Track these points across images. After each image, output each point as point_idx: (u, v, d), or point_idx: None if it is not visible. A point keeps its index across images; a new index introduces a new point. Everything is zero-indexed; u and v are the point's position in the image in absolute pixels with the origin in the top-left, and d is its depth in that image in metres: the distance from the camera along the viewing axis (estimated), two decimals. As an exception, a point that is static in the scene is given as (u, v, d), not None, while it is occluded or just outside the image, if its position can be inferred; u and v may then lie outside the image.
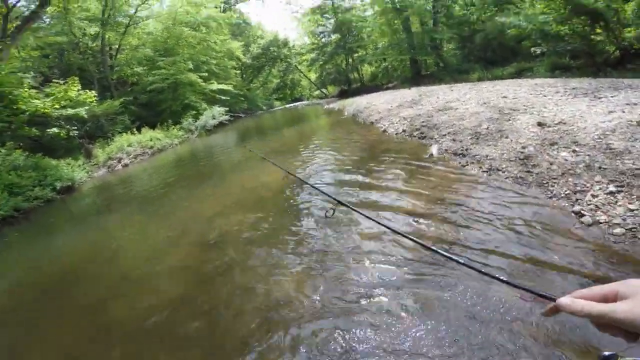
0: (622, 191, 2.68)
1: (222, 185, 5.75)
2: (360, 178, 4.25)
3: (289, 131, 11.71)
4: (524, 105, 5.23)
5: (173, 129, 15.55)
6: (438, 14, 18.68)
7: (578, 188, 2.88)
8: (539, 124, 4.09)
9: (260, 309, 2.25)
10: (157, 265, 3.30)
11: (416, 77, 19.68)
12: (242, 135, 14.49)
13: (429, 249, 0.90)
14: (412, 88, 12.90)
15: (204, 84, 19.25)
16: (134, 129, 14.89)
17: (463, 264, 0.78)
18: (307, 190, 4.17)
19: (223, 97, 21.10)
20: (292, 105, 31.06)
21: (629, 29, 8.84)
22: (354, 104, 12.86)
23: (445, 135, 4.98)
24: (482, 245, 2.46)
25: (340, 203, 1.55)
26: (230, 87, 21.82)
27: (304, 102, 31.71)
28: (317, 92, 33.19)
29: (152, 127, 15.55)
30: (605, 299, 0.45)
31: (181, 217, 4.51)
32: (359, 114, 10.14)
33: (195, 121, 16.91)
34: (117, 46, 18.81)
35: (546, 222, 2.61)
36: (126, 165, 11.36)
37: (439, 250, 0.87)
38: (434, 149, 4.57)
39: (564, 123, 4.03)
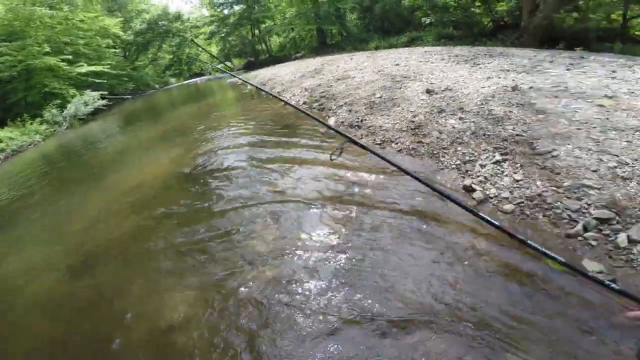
0: (507, 159, 2.56)
1: (96, 189, 4.25)
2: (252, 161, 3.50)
3: (183, 110, 10.01)
4: (414, 73, 5.12)
5: (31, 123, 12.06)
6: None
7: (467, 158, 2.69)
8: (428, 91, 3.91)
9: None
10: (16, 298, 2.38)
11: (322, 46, 19.30)
12: (127, 119, 12.03)
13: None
14: (316, 57, 12.36)
15: (68, 67, 15.45)
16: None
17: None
18: (204, 187, 3.27)
19: (97, 80, 17.46)
20: (191, 81, 27.58)
21: (502, 3, 9.76)
22: (258, 76, 11.76)
23: (342, 105, 4.53)
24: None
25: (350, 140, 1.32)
26: (105, 69, 18.07)
27: (205, 78, 28.39)
28: (221, 65, 30.07)
29: (1, 124, 11.86)
30: None
31: (42, 236, 3.16)
32: (262, 86, 9.16)
33: (62, 111, 13.51)
34: None
35: (437, 210, 2.33)
36: None
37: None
38: (331, 121, 4.08)
39: (450, 89, 3.94)
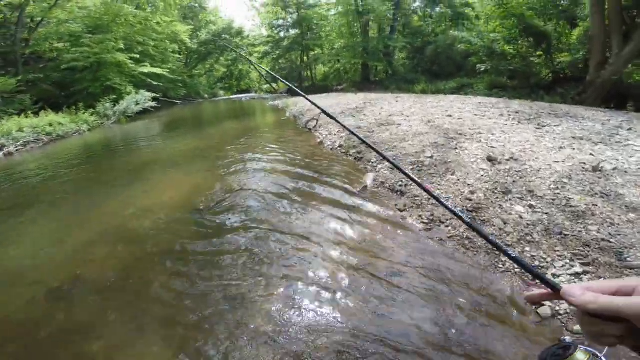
0: (588, 272, 1.95)
1: (113, 198, 4.05)
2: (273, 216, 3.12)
3: (221, 127, 10.09)
4: (470, 129, 4.58)
5: (83, 113, 12.88)
6: (397, 21, 18.44)
7: (536, 262, 2.10)
8: (490, 159, 3.36)
9: None
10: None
11: (365, 82, 19.29)
12: (170, 125, 12.48)
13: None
14: (358, 93, 12.17)
15: (133, 65, 16.48)
16: (36, 111, 12.06)
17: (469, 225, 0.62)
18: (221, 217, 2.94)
19: (154, 83, 18.50)
20: (237, 97, 28.81)
21: (565, 54, 9.05)
22: (299, 104, 11.75)
23: (384, 160, 4.08)
24: None
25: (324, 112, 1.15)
26: (164, 72, 19.14)
27: (250, 95, 29.48)
28: (267, 86, 31.28)
29: (59, 109, 12.81)
30: (617, 294, 0.40)
31: (38, 237, 2.97)
32: (301, 117, 9.02)
33: (114, 106, 14.31)
34: (39, 19, 15.36)
35: (493, 313, 1.77)
36: (10, 154, 8.85)
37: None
38: (369, 179, 3.61)
39: (516, 160, 3.35)
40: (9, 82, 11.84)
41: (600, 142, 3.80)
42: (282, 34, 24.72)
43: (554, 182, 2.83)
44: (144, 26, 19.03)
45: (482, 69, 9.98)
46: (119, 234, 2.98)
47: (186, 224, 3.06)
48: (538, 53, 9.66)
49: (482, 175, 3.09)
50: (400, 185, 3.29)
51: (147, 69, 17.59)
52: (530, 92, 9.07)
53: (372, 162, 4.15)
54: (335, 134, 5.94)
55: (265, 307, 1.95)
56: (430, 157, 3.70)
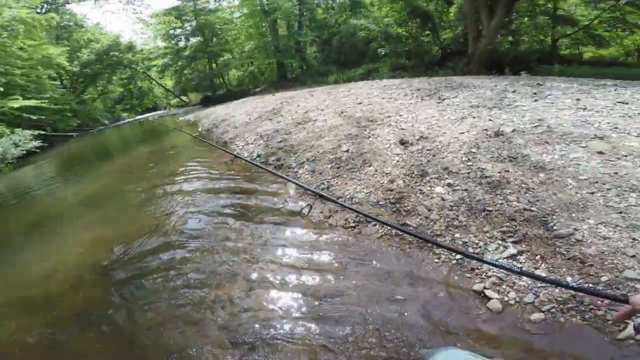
0: (523, 251, 1.92)
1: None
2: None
3: (127, 156, 8.69)
4: (380, 114, 4.56)
5: None
6: (303, 16, 18.43)
7: (470, 249, 2.01)
8: (402, 142, 3.30)
9: None
10: None
11: (282, 80, 19.00)
12: (65, 164, 10.45)
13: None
14: (276, 94, 11.79)
15: None
16: None
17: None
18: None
19: (34, 117, 15.40)
20: (143, 116, 25.84)
21: (447, 31, 9.99)
22: (212, 115, 10.87)
23: (303, 163, 3.76)
24: None
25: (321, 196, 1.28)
26: (43, 103, 16.05)
27: (158, 112, 26.69)
28: (175, 100, 28.72)
29: None
30: None
31: None
32: (214, 129, 8.26)
33: None
34: None
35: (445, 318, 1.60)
36: None
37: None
38: (291, 191, 3.28)
39: (426, 138, 3.36)
40: None
41: (494, 107, 4.09)
42: (181, 44, 22.68)
43: (464, 154, 2.86)
44: (3, 53, 15.65)
45: (383, 53, 10.48)
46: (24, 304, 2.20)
47: (89, 286, 2.39)
48: (426, 32, 10.50)
49: (398, 161, 3.00)
50: (322, 188, 3.03)
51: (18, 102, 14.46)
52: (426, 69, 9.78)
53: (293, 168, 3.82)
54: (252, 143, 5.46)
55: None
56: (346, 152, 3.51)
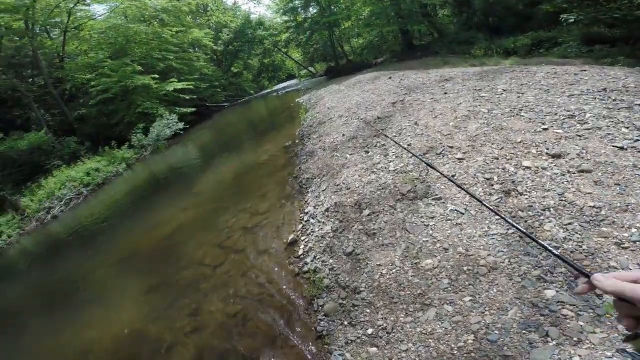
0: None
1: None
2: None
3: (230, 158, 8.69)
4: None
5: (117, 151, 12.89)
6: None
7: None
8: None
9: None
10: None
11: (408, 50, 16.11)
12: (216, 139, 11.91)
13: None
14: (396, 73, 9.55)
15: (157, 85, 16.03)
16: (83, 154, 12.55)
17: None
18: None
19: (187, 97, 18.14)
20: (278, 87, 28.39)
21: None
22: (317, 105, 9.87)
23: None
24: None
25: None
26: (192, 85, 18.42)
27: (292, 83, 28.44)
28: (304, 72, 29.18)
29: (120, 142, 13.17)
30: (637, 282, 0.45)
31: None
32: (312, 134, 7.00)
33: (146, 135, 14.02)
34: (60, 54, 16.03)
35: None
36: (55, 217, 8.97)
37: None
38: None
39: None
40: (40, 137, 11.89)
41: None
42: (301, 17, 21.99)
43: None
44: (160, 41, 18.50)
45: (572, 20, 6.65)
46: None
47: None
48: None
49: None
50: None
51: (172, 85, 17.01)
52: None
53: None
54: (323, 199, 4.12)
55: None
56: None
